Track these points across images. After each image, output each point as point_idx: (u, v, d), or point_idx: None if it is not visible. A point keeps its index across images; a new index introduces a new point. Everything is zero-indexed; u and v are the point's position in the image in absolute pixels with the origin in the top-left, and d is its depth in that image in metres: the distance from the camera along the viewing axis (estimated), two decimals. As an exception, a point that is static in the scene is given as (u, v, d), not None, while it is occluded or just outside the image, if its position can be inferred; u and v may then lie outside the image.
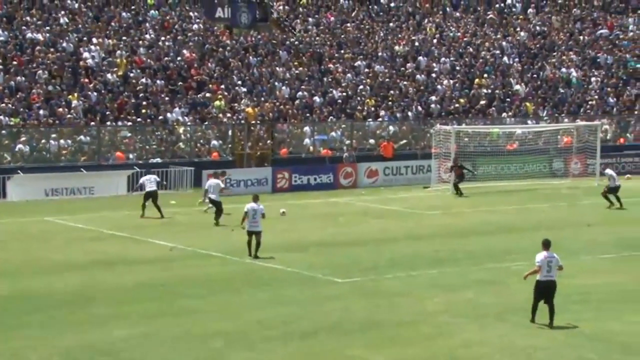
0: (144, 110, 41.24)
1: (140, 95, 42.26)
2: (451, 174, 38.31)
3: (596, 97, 51.14)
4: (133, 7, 48.24)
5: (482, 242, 27.74)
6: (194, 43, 46.81)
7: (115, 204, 34.92)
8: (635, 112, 50.95)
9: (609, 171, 35.24)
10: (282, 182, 39.50)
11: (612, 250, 26.09)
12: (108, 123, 40.39)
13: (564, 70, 52.87)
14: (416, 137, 45.52)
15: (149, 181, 32.26)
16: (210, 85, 44.42)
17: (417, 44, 51.89)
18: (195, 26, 48.62)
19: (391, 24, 53.70)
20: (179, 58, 45.26)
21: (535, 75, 52.10)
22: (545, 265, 18.19)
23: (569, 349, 17.04)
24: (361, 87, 47.39)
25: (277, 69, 47.03)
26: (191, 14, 49.76)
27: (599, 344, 17.31)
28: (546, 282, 18.21)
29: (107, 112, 40.57)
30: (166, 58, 44.92)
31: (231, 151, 41.86)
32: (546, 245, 18.41)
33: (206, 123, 42.43)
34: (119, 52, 44.05)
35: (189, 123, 42.01)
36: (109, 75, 42.59)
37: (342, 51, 49.92)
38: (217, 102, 43.39)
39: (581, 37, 56.34)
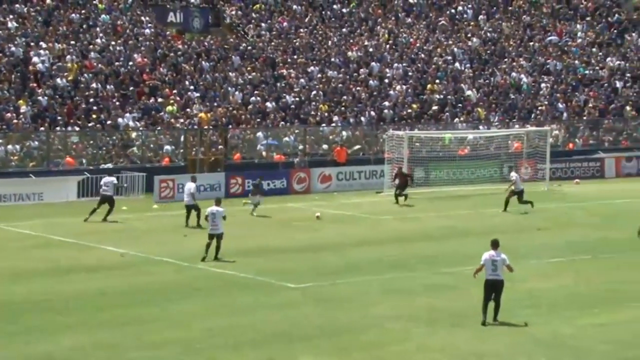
0: (94, 115, 40.76)
1: (91, 100, 41.77)
2: (395, 181, 37.70)
3: (546, 102, 51.69)
4: (83, 12, 47.68)
5: (435, 246, 27.82)
6: (146, 48, 46.41)
7: (65, 210, 34.44)
8: (584, 118, 51.59)
9: (514, 175, 35.19)
10: (235, 188, 39.28)
11: (562, 254, 26.33)
12: (58, 128, 39.84)
13: (514, 76, 53.37)
14: (369, 143, 45.60)
15: (105, 185, 31.95)
16: (163, 90, 44.07)
17: (370, 49, 52.03)
18: (147, 31, 48.20)
19: (344, 30, 53.77)
20: (130, 63, 44.84)
21: (486, 81, 52.52)
22: (489, 264, 18.63)
23: (521, 353, 17.12)
24: (314, 92, 47.37)
25: (230, 74, 46.81)
26: (143, 18, 49.32)
27: (550, 348, 17.42)
28: (492, 280, 18.61)
29: (57, 117, 40.03)
30: (117, 63, 44.47)
31: (183, 156, 41.55)
32: (494, 245, 18.85)
33: (158, 128, 42.07)
34: (69, 56, 43.50)
35: (141, 128, 41.62)
36: (58, 80, 42.04)
37: (295, 56, 49.87)
38: (169, 107, 43.06)
39: (531, 44, 56.92)
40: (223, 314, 19.71)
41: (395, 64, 51.38)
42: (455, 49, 54.24)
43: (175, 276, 23.65)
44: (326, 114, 46.23)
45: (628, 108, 52.74)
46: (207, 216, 25.03)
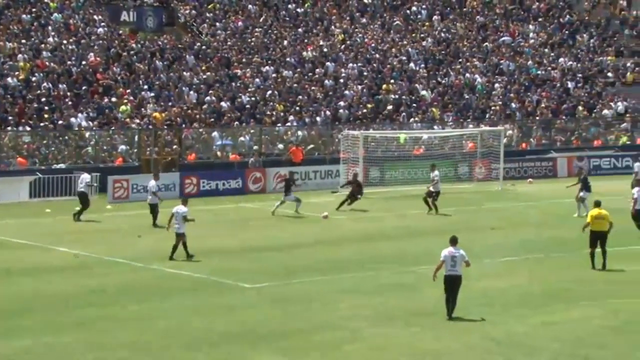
0: (46, 115, 40.28)
1: (43, 99, 41.27)
2: (347, 187, 35.98)
3: (500, 103, 52.13)
4: (35, 10, 47.09)
5: (391, 246, 27.91)
6: (99, 47, 45.98)
7: (17, 210, 34.00)
8: (537, 118, 52.12)
9: (436, 174, 34.56)
10: (190, 188, 39.07)
11: (515, 253, 26.55)
12: (9, 128, 39.29)
13: (468, 76, 53.75)
14: (325, 142, 45.63)
15: (80, 182, 32.22)
16: (116, 90, 43.69)
17: (325, 49, 52.06)
18: (100, 30, 47.75)
19: (299, 30, 53.75)
20: (83, 62, 44.39)
21: (440, 81, 52.83)
22: (449, 260, 19.08)
23: (475, 352, 17.24)
24: (269, 92, 47.29)
25: (185, 73, 46.56)
26: (95, 17, 48.85)
27: (504, 346, 17.56)
28: (451, 276, 19.01)
29: (8, 117, 39.49)
30: (70, 62, 43.99)
31: (138, 156, 41.23)
32: (453, 241, 19.30)
33: (112, 128, 41.69)
34: (20, 55, 42.94)
35: (94, 128, 41.21)
36: (9, 79, 41.48)
37: (250, 56, 49.74)
38: (123, 107, 42.70)
39: (485, 44, 57.38)
40: (177, 315, 19.57)
41: (350, 64, 51.49)
42: (410, 49, 54.51)
43: (128, 277, 23.45)
44: (282, 114, 46.19)
45: (580, 108, 53.40)
46: (171, 216, 25.08)
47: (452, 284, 19.00)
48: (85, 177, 32.84)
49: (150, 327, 18.66)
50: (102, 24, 48.35)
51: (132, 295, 21.36)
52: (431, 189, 34.34)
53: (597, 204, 24.29)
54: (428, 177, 35.96)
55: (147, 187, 31.88)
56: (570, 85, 55.48)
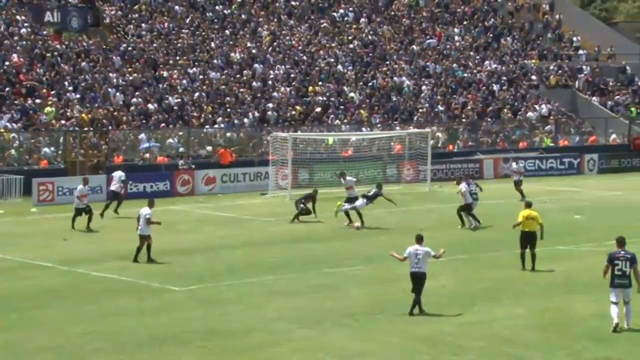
0: (-32, 117, 39.41)
1: (-35, 101, 40.36)
2: (303, 203, 33.42)
3: (427, 105, 52.65)
4: (-45, 10, 46.05)
5: (319, 247, 27.93)
6: (22, 48, 45.09)
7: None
8: (463, 120, 52.77)
9: (349, 179, 34.02)
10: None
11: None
12: None
13: (395, 78, 54.17)
14: (253, 144, 45.50)
15: (114, 181, 33.91)
16: (40, 91, 42.90)
17: (252, 51, 51.93)
18: (23, 30, 46.83)
19: (226, 32, 53.51)
20: (6, 63, 43.50)
21: (368, 84, 53.13)
22: (413, 257, 19.59)
23: (403, 351, 17.34)
24: (197, 94, 46.97)
25: (111, 74, 45.95)
26: (18, 17, 47.89)
27: (431, 346, 17.71)
28: (415, 273, 19.55)
29: None
30: (-8, 63, 43.10)
31: (63, 159, 40.54)
32: (418, 239, 19.81)
33: (36, 130, 40.92)
34: (-60, 55, 41.93)
35: (18, 130, 40.41)
36: None
37: (177, 58, 49.33)
38: (47, 109, 41.94)
39: (411, 47, 57.90)
40: (103, 318, 19.29)
41: (278, 66, 51.45)
42: (338, 52, 54.71)
43: (53, 281, 23.05)
44: (209, 116, 45.90)
45: (505, 110, 54.25)
46: (138, 217, 25.08)
47: (416, 280, 19.50)
48: (120, 174, 34.09)
49: (75, 330, 18.35)
50: (25, 24, 47.43)
51: (57, 299, 20.99)
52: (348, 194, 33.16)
53: (528, 205, 24.51)
54: (357, 178, 36.13)
55: (75, 191, 31.34)
56: (495, 87, 56.36)
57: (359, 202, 31.79)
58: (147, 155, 42.59)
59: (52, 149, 40.71)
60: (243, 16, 55.77)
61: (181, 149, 43.16)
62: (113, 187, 34.34)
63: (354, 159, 44.20)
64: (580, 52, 63.16)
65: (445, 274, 23.70)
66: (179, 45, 50.46)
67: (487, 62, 58.58)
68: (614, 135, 55.05)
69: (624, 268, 18.34)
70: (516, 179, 39.15)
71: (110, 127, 42.66)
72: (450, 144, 50.70)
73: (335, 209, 32.17)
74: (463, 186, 31.54)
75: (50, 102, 42.25)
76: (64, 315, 19.63)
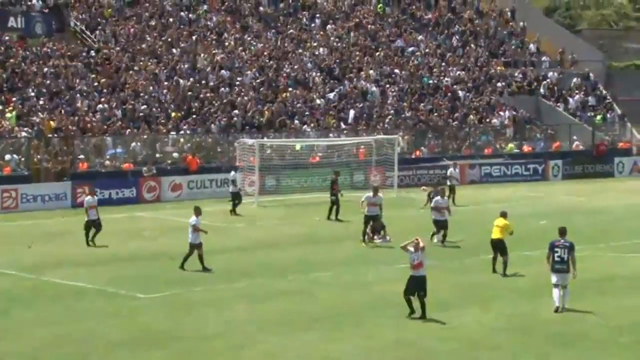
0: None
1: None
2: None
3: (393, 111, 52.84)
4: None
5: (287, 254, 27.98)
6: (-14, 53, 44.73)
7: None
8: (430, 125, 52.99)
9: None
10: (83, 197, 38.23)
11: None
12: None
13: (362, 84, 54.32)
14: (220, 151, 45.39)
15: (233, 182, 36.69)
16: (4, 97, 42.53)
17: (220, 57, 51.87)
18: (-14, 35, 46.45)
19: (193, 37, 53.39)
20: (-31, 68, 43.10)
21: (335, 90, 53.22)
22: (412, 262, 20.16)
23: (371, 356, 17.45)
24: (163, 99, 46.81)
25: (76, 80, 45.67)
26: (-18, 22, 47.49)
27: (398, 349, 17.82)
28: (414, 276, 19.91)
29: None
30: (-45, 68, 42.66)
31: (26, 165, 40.20)
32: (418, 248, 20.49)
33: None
34: None
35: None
36: None
37: (143, 63, 49.15)
38: (8, 114, 41.58)
39: (377, 53, 58.12)
40: (67, 324, 19.22)
41: (245, 72, 51.44)
42: (304, 58, 54.81)
43: (17, 287, 22.87)
44: (176, 122, 45.73)
45: (471, 117, 54.60)
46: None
47: (415, 284, 19.76)
48: (235, 175, 36.95)
49: (37, 336, 18.25)
50: (-11, 29, 47.04)
51: (21, 306, 20.86)
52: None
53: (503, 215, 24.97)
54: (324, 185, 36.26)
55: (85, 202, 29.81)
56: (460, 94, 56.73)
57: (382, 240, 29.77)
58: (109, 162, 42.15)
59: (16, 155, 40.34)
60: (208, 23, 55.69)
61: (140, 158, 42.72)
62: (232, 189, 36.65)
63: (321, 165, 44.26)
64: (544, 58, 63.80)
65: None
66: (145, 50, 50.27)
67: (451, 68, 58.94)
68: (577, 142, 55.63)
69: (563, 255, 20.27)
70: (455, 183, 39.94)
71: (76, 134, 42.28)
72: (417, 150, 50.86)
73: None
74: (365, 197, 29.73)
75: (10, 108, 41.87)
76: (28, 321, 19.50)
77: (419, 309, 19.69)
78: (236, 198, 36.58)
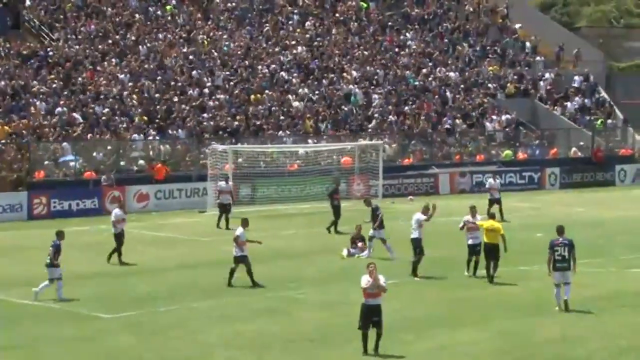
0: None
1: None
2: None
3: (377, 115, 52.71)
4: None
5: (262, 269, 27.77)
6: None
7: None
8: (417, 130, 52.78)
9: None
10: (40, 208, 38.16)
11: (397, 276, 26.76)
12: None
13: (344, 86, 54.21)
14: (191, 158, 45.18)
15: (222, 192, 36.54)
16: (-46, 100, 42.30)
17: (189, 56, 51.73)
18: None
19: (160, 35, 53.23)
20: None
21: (314, 92, 53.10)
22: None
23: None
24: (128, 102, 46.60)
25: (32, 81, 45.41)
26: None
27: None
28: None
29: None
30: None
31: (-21, 174, 39.94)
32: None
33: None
34: None
35: None
36: None
37: (106, 63, 48.92)
38: (-41, 119, 41.37)
39: (360, 53, 58.05)
40: (23, 348, 18.98)
41: (217, 72, 51.29)
42: (281, 57, 54.72)
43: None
44: (142, 127, 45.50)
45: (460, 121, 54.54)
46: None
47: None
48: (224, 185, 37.43)
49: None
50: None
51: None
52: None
53: (492, 216, 26.65)
54: (303, 194, 36.25)
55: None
56: (449, 96, 56.67)
57: (365, 253, 29.59)
58: (65, 169, 41.86)
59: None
60: (178, 19, 55.55)
61: (107, 162, 42.54)
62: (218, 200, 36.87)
63: (300, 173, 44.16)
64: (538, 58, 63.87)
65: (402, 296, 23.76)
66: (108, 49, 50.06)
67: (439, 69, 58.89)
68: (574, 149, 55.79)
69: (563, 253, 21.81)
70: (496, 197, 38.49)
71: (29, 139, 42.03)
72: (404, 157, 50.72)
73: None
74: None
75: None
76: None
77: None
78: (224, 210, 36.02)
